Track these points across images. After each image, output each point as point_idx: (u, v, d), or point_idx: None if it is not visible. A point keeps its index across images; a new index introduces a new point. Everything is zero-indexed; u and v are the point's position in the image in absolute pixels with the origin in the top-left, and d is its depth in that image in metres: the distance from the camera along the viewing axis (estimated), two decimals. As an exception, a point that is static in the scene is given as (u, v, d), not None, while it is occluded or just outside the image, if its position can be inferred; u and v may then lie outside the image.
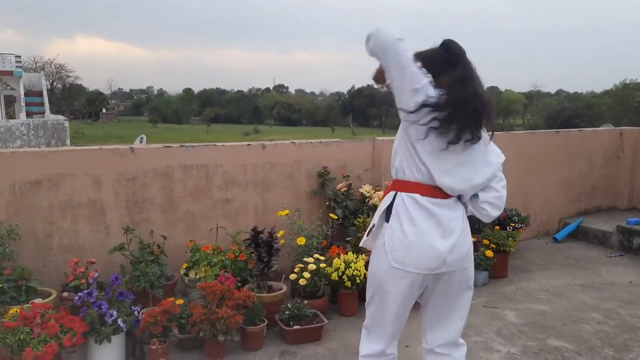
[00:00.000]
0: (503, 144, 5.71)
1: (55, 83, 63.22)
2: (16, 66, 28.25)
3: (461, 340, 2.43)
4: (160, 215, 4.15)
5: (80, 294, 3.11)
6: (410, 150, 2.17)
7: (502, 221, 5.31)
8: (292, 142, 4.67)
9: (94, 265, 3.59)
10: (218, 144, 4.41)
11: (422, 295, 2.33)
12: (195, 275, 3.78)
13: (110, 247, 3.78)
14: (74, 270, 3.53)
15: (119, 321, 3.04)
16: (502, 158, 2.37)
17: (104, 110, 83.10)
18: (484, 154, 2.26)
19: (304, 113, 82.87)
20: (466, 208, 2.28)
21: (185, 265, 3.89)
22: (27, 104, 27.82)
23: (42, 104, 28.90)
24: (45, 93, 29.73)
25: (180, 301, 3.49)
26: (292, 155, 4.58)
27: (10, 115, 30.07)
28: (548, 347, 3.54)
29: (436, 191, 2.16)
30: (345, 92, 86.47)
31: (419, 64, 2.12)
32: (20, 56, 28.73)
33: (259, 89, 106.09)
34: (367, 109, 75.30)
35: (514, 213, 5.44)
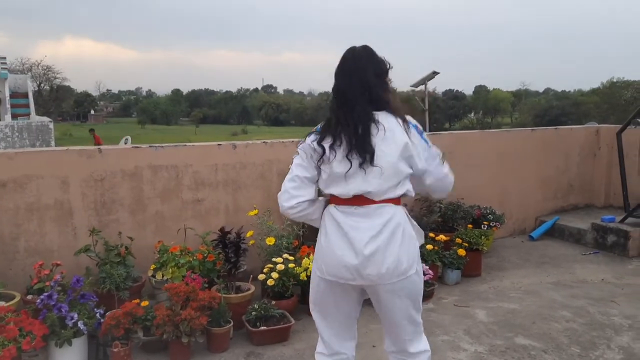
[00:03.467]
0: (478, 142, 5.82)
1: (42, 85, 62.60)
2: (1, 68, 27.99)
3: (416, 349, 2.32)
4: (129, 217, 4.12)
5: (41, 296, 3.08)
6: None
7: (477, 219, 5.33)
8: (264, 142, 4.66)
9: (59, 268, 3.55)
10: (188, 144, 4.39)
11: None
12: (163, 276, 3.75)
13: (78, 249, 3.75)
14: (39, 273, 3.50)
15: (80, 324, 3.01)
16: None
17: (92, 112, 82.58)
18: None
19: (293, 113, 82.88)
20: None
21: (152, 266, 3.86)
22: (12, 106, 27.57)
23: (27, 106, 28.58)
24: (30, 95, 29.44)
25: (145, 303, 3.46)
26: (264, 155, 4.56)
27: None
28: (515, 345, 3.54)
29: (353, 199, 2.12)
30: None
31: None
32: (5, 58, 28.37)
33: (247, 90, 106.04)
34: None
35: (488, 211, 5.46)
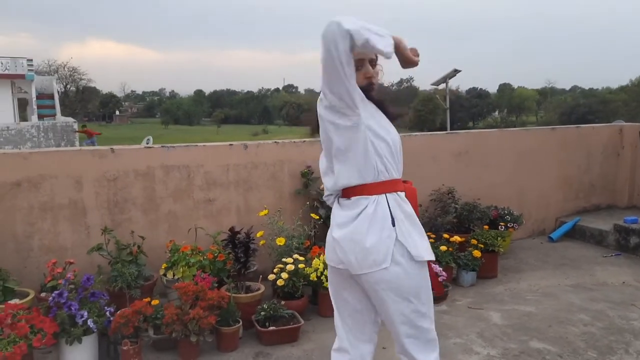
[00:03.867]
0: (496, 141, 5.73)
1: (68, 86, 63.90)
2: (28, 70, 28.62)
3: (425, 358, 2.20)
4: (142, 216, 4.15)
5: (53, 294, 3.11)
6: None
7: (494, 220, 5.24)
8: (275, 142, 4.64)
9: (72, 266, 3.59)
10: (199, 144, 4.39)
11: None
12: (173, 275, 3.77)
13: (91, 247, 3.78)
14: (52, 271, 3.54)
15: (89, 322, 3.03)
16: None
17: (117, 113, 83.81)
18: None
19: (314, 112, 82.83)
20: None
21: (164, 265, 3.87)
22: (38, 107, 28.19)
23: (53, 107, 29.24)
24: (56, 96, 30.13)
25: (155, 301, 3.47)
26: (275, 155, 4.55)
27: (24, 117, 30.37)
28: (529, 349, 3.46)
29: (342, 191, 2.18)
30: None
31: None
32: (32, 60, 29.11)
33: (268, 90, 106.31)
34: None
35: (506, 212, 5.36)
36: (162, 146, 4.23)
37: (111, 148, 4.05)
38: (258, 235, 4.10)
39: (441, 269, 4.27)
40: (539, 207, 6.06)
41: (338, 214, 2.16)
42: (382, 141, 2.09)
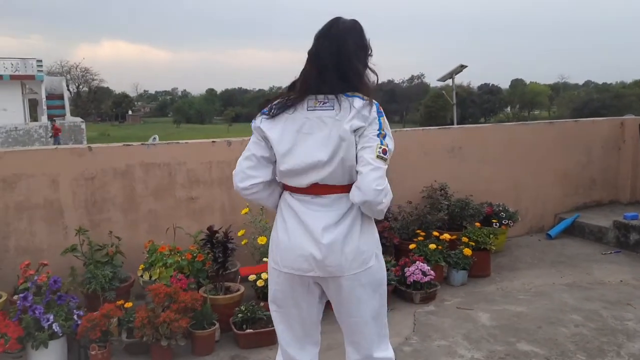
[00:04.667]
0: (491, 136, 5.57)
1: (81, 86, 64.45)
2: (38, 70, 28.86)
3: (382, 355, 2.15)
4: (121, 215, 4.06)
5: (19, 296, 3.04)
6: None
7: (487, 217, 5.10)
8: (259, 139, 4.53)
9: (46, 267, 3.50)
10: (181, 141, 4.30)
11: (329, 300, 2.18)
12: (150, 277, 3.68)
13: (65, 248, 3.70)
14: (25, 273, 3.45)
15: (55, 326, 2.95)
16: None
17: (130, 112, 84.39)
18: None
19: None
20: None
21: (141, 266, 3.78)
22: (48, 107, 28.42)
23: (63, 107, 29.46)
24: (65, 96, 30.36)
25: (129, 304, 3.40)
26: (259, 152, 4.43)
27: (35, 118, 30.64)
28: (516, 351, 3.33)
29: (310, 188, 2.00)
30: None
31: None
32: (41, 60, 29.35)
33: (279, 87, 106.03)
34: (388, 104, 74.81)
35: (501, 208, 5.22)
36: (142, 144, 4.14)
37: (89, 146, 3.97)
38: (239, 234, 4.00)
39: (429, 267, 4.14)
40: (537, 203, 5.90)
41: (317, 216, 1.98)
42: None
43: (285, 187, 2.08)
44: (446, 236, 4.50)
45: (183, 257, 3.73)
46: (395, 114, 75.14)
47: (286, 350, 2.21)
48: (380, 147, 1.96)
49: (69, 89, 55.02)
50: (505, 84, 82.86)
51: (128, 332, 3.30)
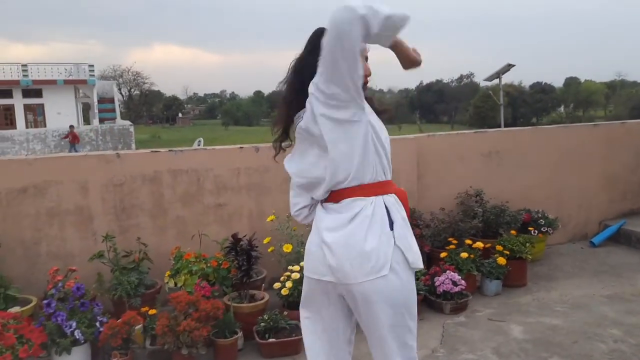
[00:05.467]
0: (531, 140, 5.35)
1: (132, 90, 66.39)
2: (90, 75, 30.00)
3: None
4: (150, 221, 4.11)
5: (43, 302, 3.10)
6: None
7: (525, 224, 4.89)
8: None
9: (75, 273, 3.57)
10: (209, 147, 4.31)
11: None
12: (175, 284, 3.69)
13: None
14: (53, 278, 3.53)
15: (77, 333, 2.99)
16: None
17: (180, 115, 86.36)
18: None
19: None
20: None
21: (168, 273, 3.81)
22: (100, 111, 29.49)
23: (113, 110, 30.53)
24: (116, 100, 31.46)
25: (153, 311, 3.41)
26: (287, 158, 4.40)
27: (88, 121, 31.82)
28: (548, 368, 3.16)
29: (330, 196, 2.01)
30: (414, 88, 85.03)
31: None
32: (93, 65, 30.49)
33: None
34: (436, 104, 73.73)
35: (540, 215, 5.00)
36: (169, 150, 4.17)
37: (117, 153, 4.03)
38: (265, 241, 3.97)
39: (460, 277, 4.00)
40: (580, 210, 5.62)
41: (326, 218, 1.97)
42: (380, 140, 1.96)
43: None
44: (479, 244, 4.34)
45: (208, 265, 3.73)
46: (444, 114, 74.03)
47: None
48: None
49: (121, 93, 56.93)
50: (558, 83, 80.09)
51: (152, 339, 3.32)
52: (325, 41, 1.71)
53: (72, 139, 21.39)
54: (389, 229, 1.92)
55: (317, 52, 1.79)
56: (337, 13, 1.65)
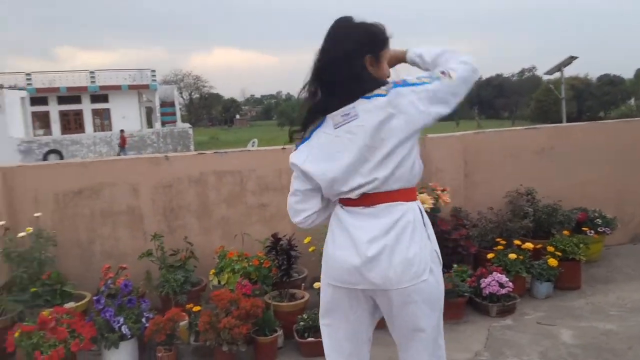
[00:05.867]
0: (586, 136, 5.12)
1: (192, 93, 68.35)
2: (152, 80, 31.16)
3: None
4: (196, 222, 4.22)
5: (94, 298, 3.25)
6: None
7: (580, 223, 4.68)
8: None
9: (125, 271, 3.72)
10: (252, 149, 4.39)
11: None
12: (219, 282, 3.78)
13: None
14: (105, 276, 3.70)
15: (124, 328, 3.12)
16: None
17: (237, 117, 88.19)
18: None
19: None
20: None
21: (212, 271, 3.90)
22: (161, 114, 30.57)
23: (174, 114, 31.58)
24: (176, 103, 32.52)
25: (197, 308, 3.50)
26: (330, 158, 4.41)
27: (151, 124, 33.02)
28: (598, 375, 3.02)
29: (360, 199, 1.91)
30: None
31: None
32: (155, 71, 31.69)
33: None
34: (496, 99, 71.68)
35: (596, 214, 4.77)
36: (214, 152, 4.28)
37: (165, 155, 4.17)
38: (305, 241, 3.99)
39: (507, 279, 3.88)
40: (643, 209, 5.33)
41: (362, 225, 1.89)
42: None
43: (339, 200, 2.00)
44: (528, 245, 4.20)
45: (250, 264, 3.79)
46: (504, 109, 71.93)
47: None
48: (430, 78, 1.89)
49: (182, 96, 58.70)
50: (628, 74, 76.08)
51: (196, 335, 3.41)
52: (456, 85, 1.87)
53: (122, 142, 22.40)
54: (426, 233, 1.94)
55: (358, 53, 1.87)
56: (474, 75, 1.91)
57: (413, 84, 1.86)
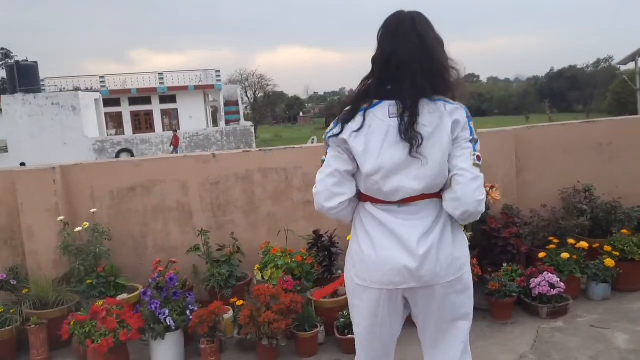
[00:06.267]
0: (630, 129, 4.79)
1: (257, 92, 69.55)
2: (217, 80, 32.03)
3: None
4: (243, 218, 4.32)
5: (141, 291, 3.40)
6: None
7: (642, 222, 4.42)
8: (374, 141, 4.48)
9: (174, 265, 3.86)
10: (297, 146, 4.43)
11: (412, 313, 2.07)
12: (262, 277, 3.85)
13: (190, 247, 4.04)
14: (155, 269, 3.85)
15: (169, 320, 3.24)
16: None
17: (301, 114, 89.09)
18: None
19: (496, 102, 78.58)
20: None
21: (257, 266, 3.98)
22: (225, 113, 31.36)
23: (237, 112, 32.28)
24: (240, 102, 33.21)
25: (240, 302, 3.59)
26: (374, 155, 4.39)
27: (216, 124, 33.95)
28: (652, 382, 2.86)
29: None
30: (543, 76, 79.86)
31: None
32: (219, 71, 32.54)
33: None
34: (569, 92, 68.55)
35: (660, 212, 4.49)
36: (260, 150, 4.35)
37: (212, 154, 4.28)
38: (348, 238, 3.98)
39: (558, 279, 3.73)
40: None
41: (405, 224, 1.87)
42: None
43: (364, 198, 1.97)
44: (583, 244, 4.01)
45: (293, 259, 3.84)
46: (578, 102, 68.71)
47: None
48: (474, 154, 1.86)
49: (247, 95, 59.85)
50: None
51: (239, 328, 3.50)
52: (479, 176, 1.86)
53: (175, 142, 23.28)
54: (461, 227, 1.98)
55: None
56: (480, 208, 1.86)
57: (470, 123, 1.89)
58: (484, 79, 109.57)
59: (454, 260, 1.90)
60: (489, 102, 79.38)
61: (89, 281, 3.74)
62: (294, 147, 4.42)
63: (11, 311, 3.56)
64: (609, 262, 3.91)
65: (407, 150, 1.82)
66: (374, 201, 1.93)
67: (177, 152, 22.05)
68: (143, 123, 33.02)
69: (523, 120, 57.98)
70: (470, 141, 1.86)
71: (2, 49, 56.75)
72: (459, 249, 1.93)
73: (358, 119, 1.87)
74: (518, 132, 4.62)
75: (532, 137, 4.66)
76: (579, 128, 4.87)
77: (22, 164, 15.88)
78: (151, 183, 4.19)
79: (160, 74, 32.83)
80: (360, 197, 1.99)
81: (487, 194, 4.19)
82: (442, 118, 1.83)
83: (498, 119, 66.46)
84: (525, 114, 64.22)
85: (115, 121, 32.49)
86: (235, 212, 4.31)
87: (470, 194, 1.82)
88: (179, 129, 27.24)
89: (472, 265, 3.74)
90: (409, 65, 1.84)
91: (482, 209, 1.86)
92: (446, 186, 1.90)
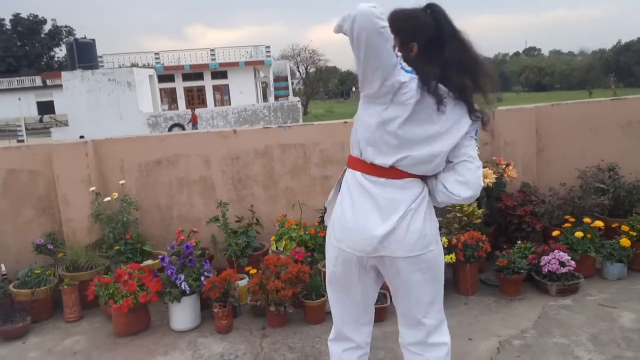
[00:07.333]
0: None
1: (309, 67, 69.52)
2: (267, 56, 32.30)
3: (437, 340, 2.19)
4: (262, 191, 4.49)
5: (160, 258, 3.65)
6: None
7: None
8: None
9: (195, 234, 4.09)
10: (315, 123, 4.54)
11: (385, 283, 2.21)
12: (277, 248, 4.03)
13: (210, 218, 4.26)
14: (178, 238, 4.10)
15: (184, 285, 3.47)
16: None
17: (353, 89, 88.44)
18: None
19: (558, 76, 75.41)
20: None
21: (273, 238, 4.16)
22: (275, 89, 31.65)
23: (286, 88, 32.54)
24: (289, 78, 33.42)
25: (253, 271, 3.78)
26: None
27: (266, 99, 34.34)
28: (648, 361, 2.86)
29: (380, 170, 2.00)
30: (609, 49, 75.83)
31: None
32: (269, 47, 32.75)
33: (506, 54, 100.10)
34: (637, 66, 64.93)
35: (686, 192, 4.36)
36: (279, 126, 4.50)
37: (233, 129, 4.46)
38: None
39: (569, 257, 3.73)
40: None
41: (388, 198, 1.99)
42: None
43: (355, 166, 2.07)
44: (598, 223, 3.96)
45: (306, 232, 3.99)
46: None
47: (341, 330, 2.30)
48: (477, 145, 2.07)
49: (298, 70, 59.97)
50: None
51: (252, 295, 3.70)
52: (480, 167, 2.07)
53: (194, 120, 24.02)
54: (433, 208, 2.12)
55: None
56: (479, 193, 2.11)
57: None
58: (545, 52, 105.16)
59: (422, 236, 2.01)
60: (550, 76, 76.30)
61: (117, 247, 4.03)
62: (312, 124, 4.54)
63: (47, 272, 3.89)
64: (625, 242, 3.87)
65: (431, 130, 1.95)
66: (365, 171, 2.03)
67: (197, 129, 22.79)
68: (196, 99, 33.82)
69: (586, 94, 55.52)
70: (476, 134, 2.05)
71: (66, 26, 59.14)
72: (430, 228, 2.04)
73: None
74: (540, 110, 4.56)
75: (555, 115, 4.59)
76: (607, 105, 4.75)
77: (82, 137, 16.70)
78: (176, 157, 4.42)
79: (212, 50, 33.40)
80: (352, 164, 2.08)
81: (504, 171, 4.20)
82: (463, 118, 2.00)
83: (559, 93, 63.90)
84: (588, 88, 61.44)
85: (169, 96, 33.45)
86: (255, 185, 4.49)
87: (477, 180, 2.01)
88: (230, 104, 27.74)
89: (482, 241, 3.82)
90: (472, 66, 2.04)
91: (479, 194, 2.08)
92: (446, 169, 2.05)
